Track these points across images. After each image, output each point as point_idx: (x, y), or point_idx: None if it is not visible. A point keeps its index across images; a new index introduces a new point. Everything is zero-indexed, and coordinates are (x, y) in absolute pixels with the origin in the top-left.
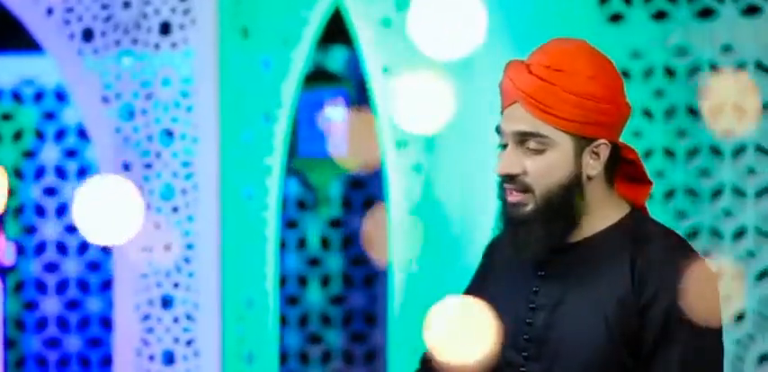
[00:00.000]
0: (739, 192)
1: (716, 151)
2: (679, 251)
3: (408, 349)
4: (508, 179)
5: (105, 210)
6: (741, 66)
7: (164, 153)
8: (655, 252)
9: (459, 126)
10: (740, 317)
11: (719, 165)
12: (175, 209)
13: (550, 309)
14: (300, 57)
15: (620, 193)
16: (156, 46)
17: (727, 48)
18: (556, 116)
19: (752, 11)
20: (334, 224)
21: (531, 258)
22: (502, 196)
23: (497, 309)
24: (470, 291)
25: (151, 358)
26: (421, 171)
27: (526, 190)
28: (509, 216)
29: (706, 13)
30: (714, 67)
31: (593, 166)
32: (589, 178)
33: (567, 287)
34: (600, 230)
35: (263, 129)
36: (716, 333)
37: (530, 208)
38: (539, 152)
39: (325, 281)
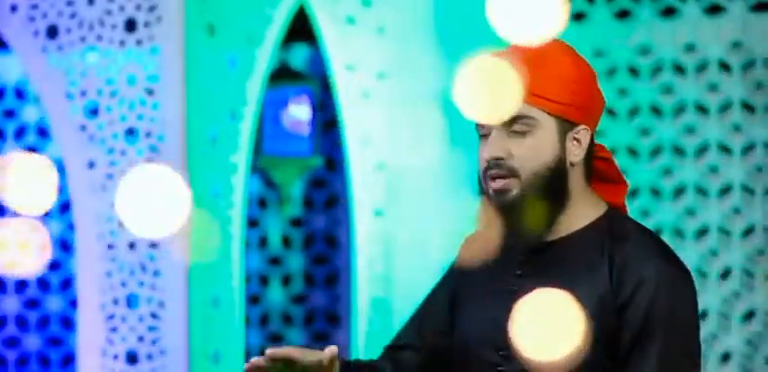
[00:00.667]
0: (702, 191)
1: (679, 150)
2: (656, 250)
3: (373, 349)
4: (494, 164)
5: (151, 202)
6: (704, 65)
7: (129, 150)
8: (632, 251)
9: (423, 124)
10: (703, 316)
11: (682, 164)
12: None
13: None
14: (265, 55)
15: (598, 193)
16: (122, 43)
17: (690, 47)
18: (540, 97)
19: (714, 10)
20: (296, 223)
21: (525, 243)
22: (483, 189)
23: (474, 309)
24: (438, 290)
25: (115, 357)
26: (383, 169)
27: (512, 174)
28: (496, 205)
29: (669, 12)
30: (677, 66)
31: (576, 152)
32: (572, 165)
33: (545, 285)
34: (577, 229)
35: (229, 127)
36: (694, 332)
37: (515, 192)
38: (523, 135)
39: (287, 280)
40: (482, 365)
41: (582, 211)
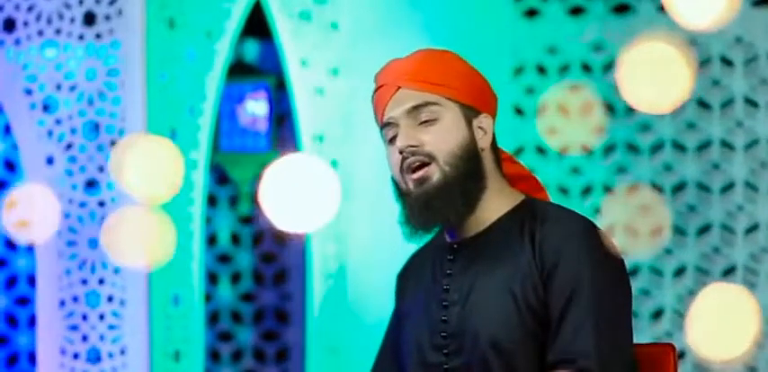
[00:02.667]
0: (657, 188)
1: (633, 147)
2: (574, 219)
3: (326, 347)
4: (410, 152)
5: (298, 194)
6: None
7: (88, 146)
8: (552, 223)
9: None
10: (657, 315)
11: (637, 162)
12: (101, 204)
13: (462, 303)
14: (223, 50)
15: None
16: (81, 37)
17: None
18: (440, 84)
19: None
20: (245, 220)
21: (452, 222)
22: (401, 189)
23: (414, 315)
24: (394, 314)
25: (76, 356)
26: (337, 166)
27: (429, 159)
28: (420, 196)
29: (622, 9)
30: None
31: (484, 139)
32: (482, 149)
33: (474, 277)
34: (497, 218)
35: (189, 123)
36: (619, 297)
37: (437, 178)
38: (431, 123)
39: (236, 278)
40: (429, 367)
41: (497, 204)
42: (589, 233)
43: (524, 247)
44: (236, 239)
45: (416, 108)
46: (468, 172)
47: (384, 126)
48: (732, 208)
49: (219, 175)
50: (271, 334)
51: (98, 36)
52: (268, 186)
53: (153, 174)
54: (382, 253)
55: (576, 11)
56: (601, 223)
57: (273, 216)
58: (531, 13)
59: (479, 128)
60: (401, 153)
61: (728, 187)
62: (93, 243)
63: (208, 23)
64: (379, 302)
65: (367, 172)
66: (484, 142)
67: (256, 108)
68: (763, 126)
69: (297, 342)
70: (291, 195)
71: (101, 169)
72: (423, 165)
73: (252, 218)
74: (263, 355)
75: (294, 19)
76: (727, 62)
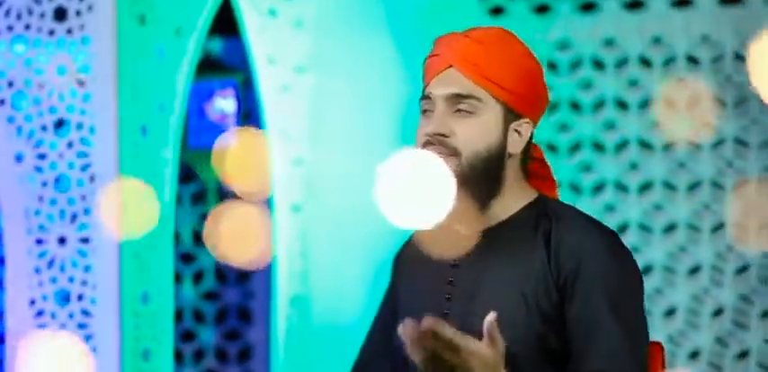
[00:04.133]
0: (622, 187)
1: (598, 146)
2: (592, 224)
3: (291, 347)
4: (437, 141)
5: (414, 189)
6: (624, 60)
7: (59, 143)
8: (569, 228)
9: (342, 120)
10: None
11: (602, 160)
12: (71, 202)
13: (467, 298)
14: (192, 47)
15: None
16: (51, 32)
17: (609, 42)
18: (491, 81)
19: (635, 5)
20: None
21: (458, 234)
22: None
23: (413, 305)
24: (386, 296)
25: None
26: (302, 164)
27: (453, 153)
28: None
29: (588, 7)
30: (597, 62)
31: (516, 144)
32: (510, 155)
33: (481, 274)
34: (509, 215)
35: (160, 120)
36: (637, 299)
37: (454, 173)
38: (468, 115)
39: (198, 277)
40: None
41: (512, 200)
42: (606, 236)
43: (538, 246)
44: (198, 238)
45: (459, 96)
46: (487, 176)
47: (423, 97)
48: (698, 206)
49: (183, 173)
50: (233, 334)
51: (69, 32)
52: (383, 182)
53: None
54: (347, 252)
55: (542, 9)
56: None
57: (389, 212)
58: (497, 10)
59: (516, 131)
60: (427, 137)
61: (694, 186)
62: (63, 241)
63: (178, 20)
64: (343, 303)
65: (331, 171)
66: (515, 147)
67: (224, 105)
68: (729, 125)
69: (260, 342)
70: (406, 191)
71: (70, 166)
72: (444, 155)
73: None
74: (226, 354)
75: (262, 16)
76: (693, 61)
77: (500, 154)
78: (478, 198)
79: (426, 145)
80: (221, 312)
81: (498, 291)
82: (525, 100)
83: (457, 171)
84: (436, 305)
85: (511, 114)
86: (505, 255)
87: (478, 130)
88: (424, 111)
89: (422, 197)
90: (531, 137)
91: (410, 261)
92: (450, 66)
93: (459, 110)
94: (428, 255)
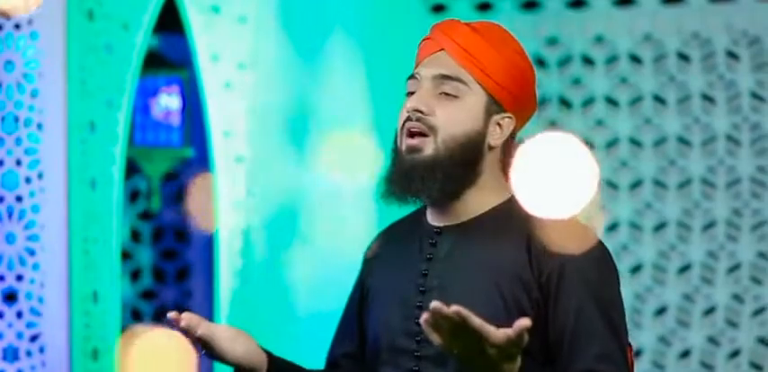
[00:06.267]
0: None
1: (588, 144)
2: (572, 224)
3: None
4: (415, 117)
5: (554, 177)
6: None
7: (6, 139)
8: (549, 226)
9: (282, 117)
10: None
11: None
12: (19, 199)
13: (441, 290)
14: (139, 43)
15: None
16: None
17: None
18: (479, 67)
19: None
20: (146, 216)
21: (426, 200)
22: (396, 146)
23: (386, 297)
24: (354, 291)
25: None
26: (243, 161)
27: (430, 131)
28: (405, 163)
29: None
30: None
31: (496, 137)
32: (490, 147)
33: (456, 267)
34: (487, 209)
35: (108, 116)
36: (621, 300)
37: (428, 153)
38: (452, 99)
39: (136, 275)
40: (398, 352)
41: (489, 195)
42: (587, 234)
43: (515, 243)
44: (135, 235)
45: (445, 77)
46: (461, 162)
47: (410, 77)
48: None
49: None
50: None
51: (17, 26)
52: (522, 169)
53: None
54: (287, 247)
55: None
56: None
57: (528, 201)
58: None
59: (498, 124)
60: (408, 113)
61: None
62: (11, 239)
63: (125, 16)
64: (288, 298)
65: (272, 168)
66: (495, 140)
67: (169, 102)
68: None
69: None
70: (548, 178)
71: (18, 162)
72: (421, 134)
73: (152, 214)
74: None
75: (205, 12)
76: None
77: (478, 142)
78: (452, 183)
79: (406, 121)
80: (159, 310)
81: (474, 284)
82: (510, 94)
83: (432, 152)
84: (410, 298)
85: (495, 106)
86: (481, 248)
87: (459, 113)
88: (410, 93)
89: (561, 186)
90: (513, 136)
91: (379, 255)
92: (442, 49)
93: (443, 93)
94: (398, 248)
